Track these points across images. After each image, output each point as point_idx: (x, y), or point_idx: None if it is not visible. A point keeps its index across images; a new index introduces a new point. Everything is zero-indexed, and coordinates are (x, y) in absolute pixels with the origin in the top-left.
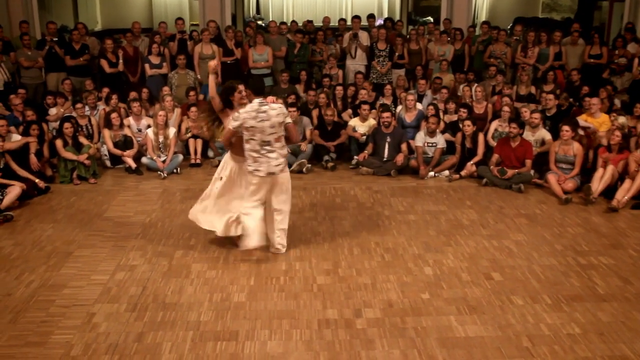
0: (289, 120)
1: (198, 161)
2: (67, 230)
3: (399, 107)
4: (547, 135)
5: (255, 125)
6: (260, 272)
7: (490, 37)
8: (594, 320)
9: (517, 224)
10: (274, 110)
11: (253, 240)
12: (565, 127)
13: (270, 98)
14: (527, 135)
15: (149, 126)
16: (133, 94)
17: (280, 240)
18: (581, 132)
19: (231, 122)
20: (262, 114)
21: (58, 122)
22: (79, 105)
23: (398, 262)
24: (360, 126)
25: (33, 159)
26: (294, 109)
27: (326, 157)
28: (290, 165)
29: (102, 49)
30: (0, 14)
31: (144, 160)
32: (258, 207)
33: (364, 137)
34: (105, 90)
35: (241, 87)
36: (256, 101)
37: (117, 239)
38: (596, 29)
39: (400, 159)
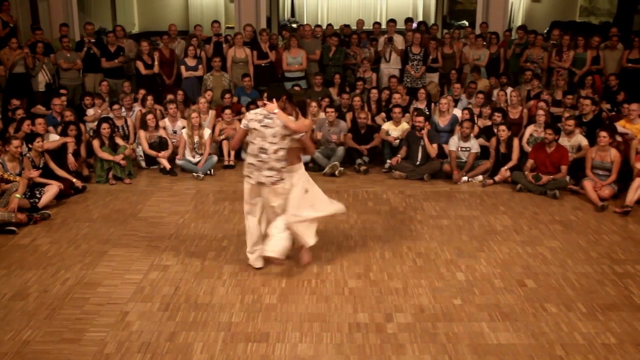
0: (301, 134)
1: (231, 163)
2: (102, 230)
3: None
4: (584, 141)
5: (259, 129)
6: (291, 275)
7: (527, 42)
8: (630, 330)
9: (551, 230)
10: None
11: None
12: (603, 133)
13: (271, 106)
14: (563, 140)
15: (184, 127)
16: (170, 96)
17: (270, 241)
18: (619, 139)
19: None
20: (268, 120)
21: (95, 123)
22: (115, 107)
23: (430, 267)
24: (393, 130)
25: (71, 158)
26: (332, 109)
27: (359, 161)
28: (322, 168)
29: (138, 51)
30: (42, 16)
31: (178, 161)
32: (249, 214)
33: (397, 141)
34: (142, 91)
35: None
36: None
37: (151, 239)
38: (636, 33)
39: (432, 151)
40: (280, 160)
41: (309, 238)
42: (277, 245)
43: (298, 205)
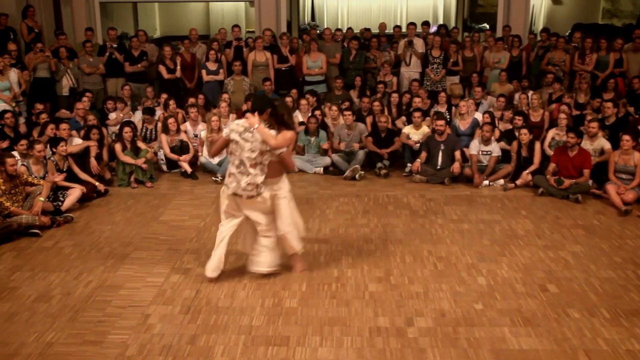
0: (282, 150)
1: None
2: (124, 233)
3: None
4: (607, 145)
5: (238, 140)
6: (312, 279)
7: (549, 44)
8: None
9: (574, 234)
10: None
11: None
12: (626, 137)
13: (252, 120)
14: (586, 144)
15: (204, 131)
16: (192, 100)
17: (257, 258)
18: None
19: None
20: (248, 133)
21: (117, 127)
22: (146, 117)
23: (451, 271)
24: (414, 134)
25: (93, 162)
26: (350, 112)
27: (379, 164)
28: (343, 172)
29: (160, 55)
30: (65, 22)
31: (202, 159)
32: (222, 225)
33: (418, 144)
34: (164, 96)
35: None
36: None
37: (172, 242)
38: None
39: (456, 167)
40: (258, 175)
41: (297, 244)
42: (265, 260)
43: (287, 218)
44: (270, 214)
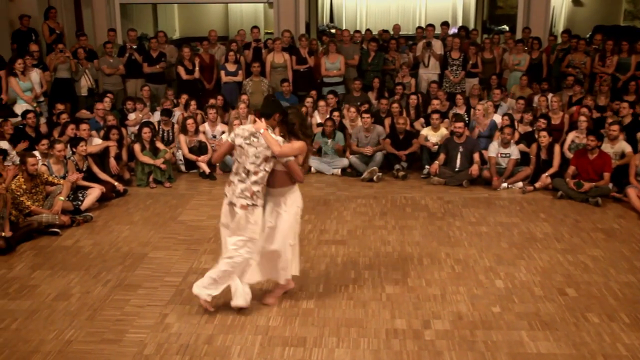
0: (288, 159)
1: None
2: (142, 232)
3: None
4: (627, 148)
5: (243, 145)
6: (329, 280)
7: (569, 47)
8: None
9: (593, 238)
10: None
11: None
12: None
13: (259, 125)
14: (606, 147)
15: (223, 132)
16: (212, 101)
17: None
18: None
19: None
20: (254, 138)
21: (136, 127)
22: (164, 118)
23: (468, 273)
24: (432, 136)
25: (112, 162)
26: (368, 115)
27: (397, 166)
28: (360, 173)
29: (179, 56)
30: (86, 23)
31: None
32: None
33: (436, 146)
34: (184, 96)
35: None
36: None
37: (190, 242)
38: None
39: (475, 170)
40: (257, 183)
41: (284, 273)
42: (237, 294)
43: (282, 237)
44: (248, 236)
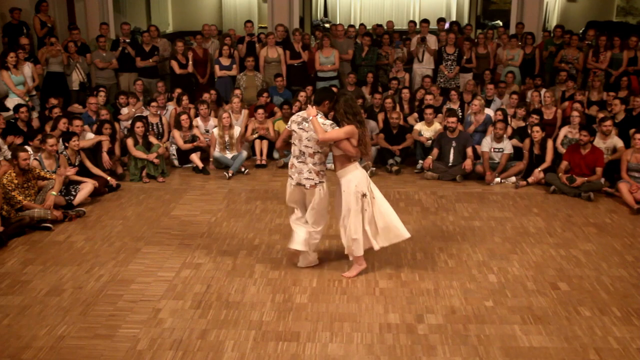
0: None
1: (264, 162)
2: (135, 227)
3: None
4: (619, 143)
5: (297, 131)
6: (322, 274)
7: (562, 42)
8: None
9: (585, 233)
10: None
11: (292, 243)
12: (638, 135)
13: (310, 111)
14: (598, 142)
15: (215, 127)
16: (205, 95)
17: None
18: None
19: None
20: (305, 123)
21: (129, 122)
22: (153, 104)
23: (462, 268)
24: (426, 130)
25: (105, 157)
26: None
27: (391, 161)
28: None
29: (173, 50)
30: (79, 16)
31: (216, 154)
32: (292, 212)
33: (429, 141)
34: (178, 91)
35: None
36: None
37: (183, 237)
38: None
39: (468, 164)
40: (317, 163)
41: (355, 246)
42: (298, 238)
43: (346, 213)
44: (324, 209)
